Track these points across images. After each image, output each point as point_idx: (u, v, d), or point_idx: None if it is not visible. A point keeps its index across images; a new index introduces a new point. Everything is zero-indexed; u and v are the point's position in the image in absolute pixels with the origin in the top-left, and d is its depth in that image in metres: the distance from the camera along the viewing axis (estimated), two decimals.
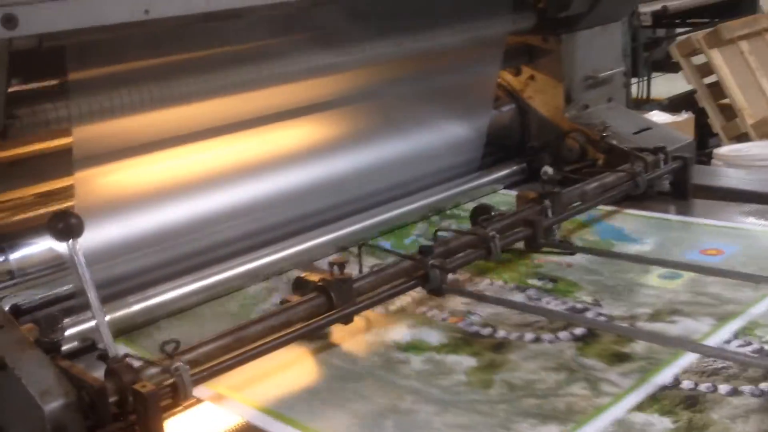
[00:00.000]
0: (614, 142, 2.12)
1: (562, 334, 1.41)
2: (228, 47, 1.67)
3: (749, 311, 1.44)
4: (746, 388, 1.22)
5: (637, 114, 2.46)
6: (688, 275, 1.59)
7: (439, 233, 1.67)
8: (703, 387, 1.24)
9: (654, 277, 1.60)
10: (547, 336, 1.42)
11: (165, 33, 1.53)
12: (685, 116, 5.06)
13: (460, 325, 1.49)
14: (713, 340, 1.36)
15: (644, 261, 1.66)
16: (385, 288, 1.48)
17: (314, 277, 1.50)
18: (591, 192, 1.91)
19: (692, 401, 1.20)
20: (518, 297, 1.59)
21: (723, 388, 1.24)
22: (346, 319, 1.43)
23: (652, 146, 2.09)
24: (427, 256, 1.50)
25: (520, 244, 1.72)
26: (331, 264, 1.44)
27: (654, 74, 6.18)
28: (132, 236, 1.63)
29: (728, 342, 1.35)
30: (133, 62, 1.50)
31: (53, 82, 1.43)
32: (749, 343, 1.34)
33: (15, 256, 1.52)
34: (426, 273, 1.49)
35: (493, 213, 1.83)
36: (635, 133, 2.24)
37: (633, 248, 1.77)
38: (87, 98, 1.40)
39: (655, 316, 1.46)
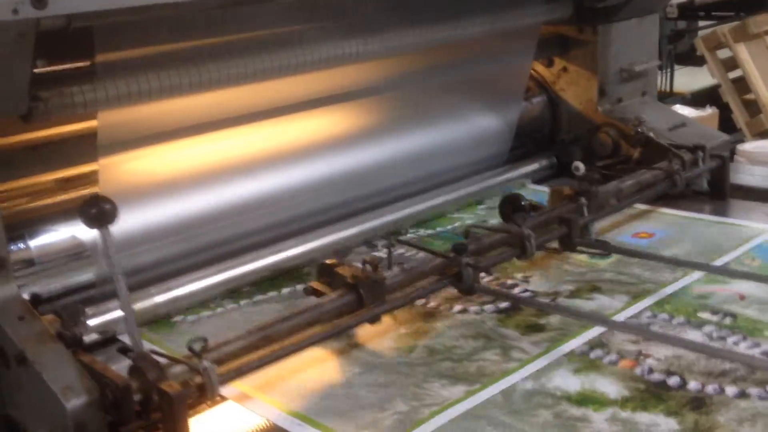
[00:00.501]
0: (651, 137, 2.05)
1: None
2: (256, 33, 1.61)
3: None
4: (754, 390, 1.19)
5: (671, 109, 2.39)
6: None
7: (471, 230, 1.61)
8: (709, 389, 1.21)
9: None
10: (754, 390, 1.20)
11: (193, 17, 1.47)
12: (709, 111, 4.98)
13: (636, 371, 1.28)
14: None
15: (688, 265, 1.59)
16: (417, 287, 1.43)
17: (343, 270, 1.44)
18: (627, 189, 1.85)
19: (698, 403, 1.17)
20: (694, 335, 1.38)
21: (730, 390, 1.20)
22: (375, 319, 1.38)
23: (688, 143, 2.03)
24: (461, 254, 1.45)
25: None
26: (364, 262, 1.39)
27: (678, 67, 6.08)
28: (155, 225, 1.58)
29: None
30: (160, 46, 1.44)
31: (79, 64, 1.38)
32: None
33: (35, 243, 1.47)
34: (459, 271, 1.44)
35: (522, 203, 1.78)
36: (670, 129, 2.17)
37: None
38: (114, 82, 1.35)
39: None
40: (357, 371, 1.33)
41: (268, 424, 1.21)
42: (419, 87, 2.01)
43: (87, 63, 1.36)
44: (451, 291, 1.48)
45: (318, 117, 1.83)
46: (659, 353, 1.31)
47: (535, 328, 1.42)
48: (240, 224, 1.71)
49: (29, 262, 1.46)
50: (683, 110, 4.63)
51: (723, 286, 1.54)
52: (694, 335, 1.37)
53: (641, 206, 1.93)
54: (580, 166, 2.00)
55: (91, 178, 1.54)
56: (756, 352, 1.31)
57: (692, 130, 2.20)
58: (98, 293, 1.50)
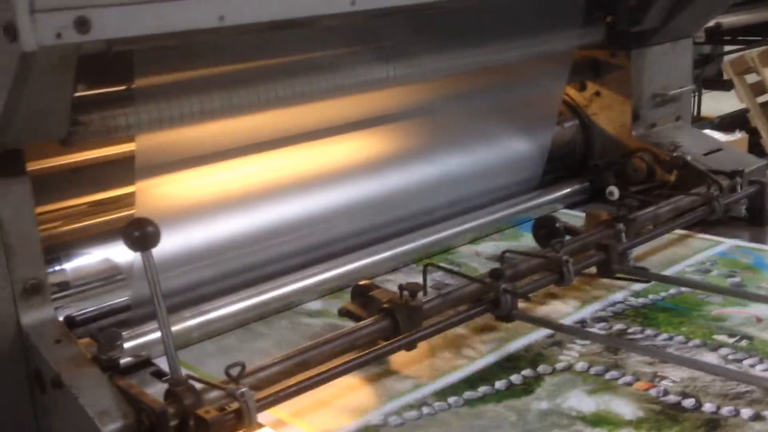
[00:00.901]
0: (688, 161, 2.02)
1: None
2: (290, 57, 1.62)
3: None
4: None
5: (706, 134, 2.36)
6: None
7: (507, 255, 1.59)
8: (725, 411, 1.19)
9: None
10: None
11: (230, 42, 1.48)
12: (738, 136, 4.92)
13: (651, 393, 1.27)
14: None
15: (740, 295, 1.56)
16: (453, 313, 1.41)
17: (379, 294, 1.43)
18: (664, 215, 1.83)
19: (713, 425, 1.15)
20: (709, 357, 1.37)
21: (745, 412, 1.18)
22: (411, 346, 1.36)
23: (725, 168, 2.00)
24: (498, 280, 1.43)
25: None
26: (402, 287, 1.37)
27: (705, 92, 6.03)
28: (189, 248, 1.58)
29: None
30: (198, 70, 1.44)
31: (118, 88, 1.38)
32: None
33: (70, 266, 1.47)
34: (497, 297, 1.42)
35: (557, 225, 1.76)
36: (705, 154, 2.14)
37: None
38: (153, 105, 1.35)
39: None
40: (390, 399, 1.31)
41: None
42: (451, 111, 2.00)
43: (126, 87, 1.36)
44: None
45: (351, 141, 1.83)
46: (675, 375, 1.30)
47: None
48: (273, 248, 1.70)
49: (64, 285, 1.46)
50: (713, 135, 4.60)
51: (740, 308, 1.51)
52: (710, 357, 1.35)
53: (678, 232, 1.90)
54: (615, 191, 1.98)
55: (126, 201, 1.54)
56: None
57: (728, 155, 2.17)
58: (132, 316, 1.50)
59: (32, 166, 1.30)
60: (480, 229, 2.01)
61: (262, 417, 1.24)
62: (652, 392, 1.26)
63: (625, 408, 1.22)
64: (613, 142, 2.23)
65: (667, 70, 2.23)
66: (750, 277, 1.66)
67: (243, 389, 1.11)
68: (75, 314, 1.46)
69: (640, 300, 1.58)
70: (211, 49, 1.46)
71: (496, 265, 1.52)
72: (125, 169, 1.46)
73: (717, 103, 6.02)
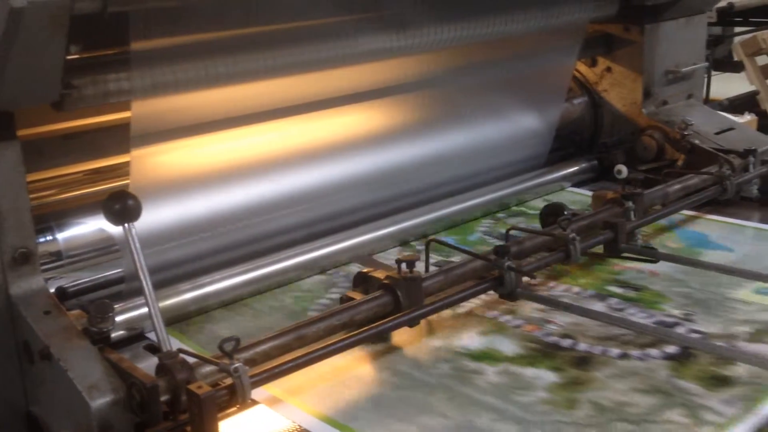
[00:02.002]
0: (697, 141, 1.98)
1: (653, 352, 1.28)
2: (293, 23, 1.56)
3: None
4: (635, 352, 1.26)
5: (719, 113, 2.31)
6: None
7: (512, 232, 1.55)
8: (596, 349, 1.27)
9: (749, 292, 1.46)
10: (635, 352, 1.28)
11: (230, 6, 1.43)
12: (747, 118, 4.85)
13: (536, 334, 1.37)
14: None
15: (740, 274, 1.51)
16: (456, 290, 1.37)
17: (378, 274, 1.39)
18: (673, 194, 1.78)
19: (582, 361, 1.23)
20: (598, 306, 1.45)
21: (614, 351, 1.26)
22: (413, 322, 1.33)
23: (737, 147, 1.95)
24: (503, 257, 1.38)
25: (598, 248, 1.59)
26: (399, 261, 1.33)
27: (713, 73, 5.95)
28: (186, 220, 1.53)
29: None
30: (197, 35, 1.39)
31: (114, 51, 1.33)
32: None
33: (63, 235, 1.42)
34: (501, 275, 1.38)
35: (565, 213, 1.71)
36: (717, 133, 2.09)
37: (723, 257, 1.63)
38: (149, 70, 1.30)
39: (756, 336, 1.32)
40: (390, 376, 1.27)
41: (299, 429, 1.16)
42: (458, 85, 1.95)
43: (121, 50, 1.31)
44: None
45: (353, 113, 1.78)
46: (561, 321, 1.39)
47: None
48: (271, 222, 1.66)
49: (57, 255, 1.42)
50: None
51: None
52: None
53: (687, 212, 1.85)
54: (623, 170, 1.94)
55: (121, 170, 1.50)
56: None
57: (741, 134, 2.12)
58: (127, 288, 1.46)
59: (24, 131, 1.26)
60: (485, 206, 1.97)
61: (257, 394, 1.21)
62: (537, 333, 1.37)
63: (508, 346, 1.32)
64: (623, 119, 2.18)
65: (680, 47, 2.18)
66: None
67: (237, 364, 1.07)
68: (67, 285, 1.42)
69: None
70: (213, 12, 1.40)
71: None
72: (121, 137, 1.41)
73: (727, 86, 5.95)
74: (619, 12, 2.05)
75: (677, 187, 1.80)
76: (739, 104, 5.42)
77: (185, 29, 1.35)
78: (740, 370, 1.21)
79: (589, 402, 1.16)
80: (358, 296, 1.41)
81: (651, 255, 1.58)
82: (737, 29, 6.06)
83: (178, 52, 1.35)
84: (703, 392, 1.16)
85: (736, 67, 5.68)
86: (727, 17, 5.74)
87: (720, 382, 1.19)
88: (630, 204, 1.61)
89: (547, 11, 1.88)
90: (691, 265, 1.55)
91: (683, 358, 1.26)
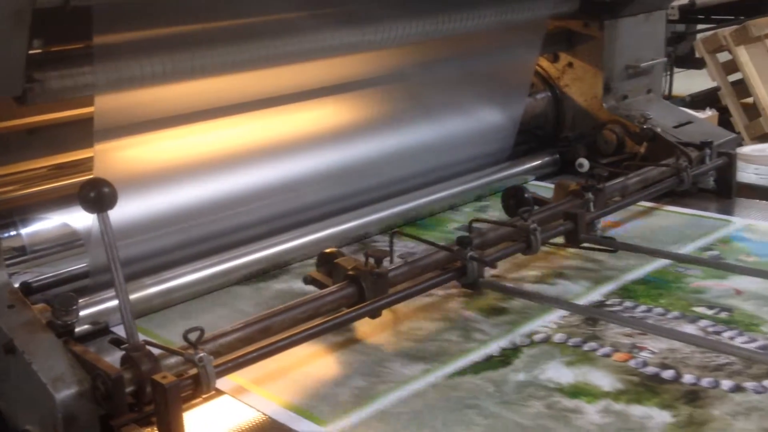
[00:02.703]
0: (658, 133, 2.02)
1: None
2: (257, 18, 1.57)
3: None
4: (750, 384, 1.17)
5: (677, 107, 2.36)
6: None
7: (475, 224, 1.57)
8: (704, 382, 1.18)
9: None
10: (750, 384, 1.17)
11: (194, 1, 1.44)
12: (708, 113, 4.95)
13: (630, 364, 1.25)
14: None
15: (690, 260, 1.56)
16: (420, 280, 1.39)
17: (344, 262, 1.41)
18: (633, 186, 1.82)
19: (693, 396, 1.14)
20: (689, 329, 1.35)
21: (725, 383, 1.18)
22: (376, 313, 1.35)
23: (694, 140, 1.99)
24: (465, 248, 1.41)
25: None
26: (367, 255, 1.35)
27: (676, 70, 6.05)
28: (150, 215, 1.54)
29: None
30: (160, 29, 1.40)
31: (77, 45, 1.33)
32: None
33: (27, 230, 1.43)
34: (463, 265, 1.40)
35: (526, 195, 1.75)
36: (676, 126, 2.14)
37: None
38: (112, 65, 1.31)
39: None
40: (355, 365, 1.29)
41: (265, 419, 1.17)
42: (422, 79, 1.97)
43: (85, 45, 1.32)
44: None
45: (318, 108, 1.79)
46: (654, 347, 1.29)
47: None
48: (237, 216, 1.67)
49: (20, 250, 1.42)
50: None
51: (719, 281, 1.51)
52: (689, 329, 1.34)
53: (646, 204, 1.89)
54: (585, 163, 1.98)
55: (85, 166, 1.50)
56: (752, 346, 1.28)
57: (698, 128, 2.17)
58: (91, 283, 1.46)
59: None
60: (449, 200, 1.99)
61: (222, 384, 1.22)
62: (631, 363, 1.24)
63: (603, 379, 1.20)
64: (585, 114, 2.22)
65: (639, 42, 2.22)
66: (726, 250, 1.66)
67: (201, 354, 1.08)
68: (31, 280, 1.42)
69: None
70: (175, 7, 1.41)
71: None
72: (84, 132, 1.41)
73: (690, 83, 6.05)
74: (579, 8, 2.09)
75: (636, 179, 1.84)
76: (700, 100, 5.52)
77: (148, 24, 1.36)
78: None
79: None
80: (320, 276, 1.43)
81: (609, 245, 1.62)
82: (700, 26, 6.16)
83: (140, 47, 1.35)
84: None
85: (698, 64, 5.78)
86: (689, 15, 5.84)
87: None
88: (589, 195, 1.65)
89: (509, 7, 1.91)
90: (650, 255, 1.59)
91: None
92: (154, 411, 1.09)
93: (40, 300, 1.32)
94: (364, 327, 1.39)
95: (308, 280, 1.45)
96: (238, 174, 1.66)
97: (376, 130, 1.91)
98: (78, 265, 1.47)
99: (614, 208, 1.73)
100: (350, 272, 1.36)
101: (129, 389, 1.09)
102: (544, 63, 2.27)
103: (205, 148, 1.61)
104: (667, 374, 1.21)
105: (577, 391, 1.18)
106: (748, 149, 4.74)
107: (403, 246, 1.68)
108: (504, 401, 1.16)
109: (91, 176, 1.35)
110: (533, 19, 2.01)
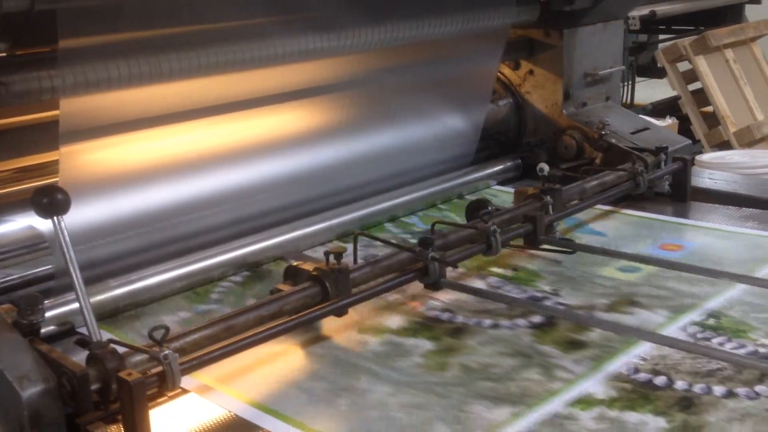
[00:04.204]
0: (613, 140, 2.08)
1: (520, 321, 1.42)
2: (222, 24, 1.60)
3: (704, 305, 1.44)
4: (742, 390, 1.20)
5: (635, 114, 2.42)
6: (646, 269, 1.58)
7: (437, 226, 1.61)
8: (697, 388, 1.21)
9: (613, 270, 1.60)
10: (742, 390, 1.21)
11: (159, 5, 1.46)
12: (669, 122, 5.06)
13: (420, 309, 1.47)
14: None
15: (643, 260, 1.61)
16: (383, 280, 1.42)
17: (307, 266, 1.44)
18: (590, 190, 1.87)
19: (687, 403, 1.17)
20: (479, 284, 1.57)
21: (718, 390, 1.21)
22: (341, 312, 1.38)
23: (651, 146, 2.05)
24: (427, 249, 1.44)
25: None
26: (327, 253, 1.38)
27: (638, 80, 6.17)
28: (116, 217, 1.55)
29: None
30: (126, 33, 1.42)
31: (42, 49, 1.35)
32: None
33: None
34: (425, 266, 1.44)
35: (489, 208, 1.79)
36: (633, 132, 2.20)
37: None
38: (77, 69, 1.33)
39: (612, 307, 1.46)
40: (323, 365, 1.32)
41: (231, 416, 1.19)
42: (385, 85, 2.01)
43: (49, 48, 1.33)
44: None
45: (282, 112, 1.82)
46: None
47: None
48: (202, 219, 1.69)
49: None
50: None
51: None
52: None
53: (604, 207, 1.95)
54: (545, 168, 2.01)
55: (50, 168, 1.51)
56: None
57: (655, 134, 2.23)
58: (57, 285, 1.47)
59: None
60: (412, 204, 2.03)
61: (187, 383, 1.24)
62: (623, 370, 1.26)
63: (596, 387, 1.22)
64: (545, 120, 2.27)
65: (597, 51, 2.28)
66: None
67: (166, 351, 1.10)
68: None
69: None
70: (140, 12, 1.43)
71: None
72: (50, 135, 1.43)
73: (653, 92, 6.17)
74: (539, 17, 2.14)
75: (594, 183, 1.89)
76: (661, 109, 5.63)
77: (113, 28, 1.38)
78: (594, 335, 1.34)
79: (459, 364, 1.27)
80: (287, 288, 1.45)
81: (567, 246, 1.66)
82: (662, 36, 6.29)
83: (105, 51, 1.37)
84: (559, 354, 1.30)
85: (659, 74, 5.90)
86: (651, 25, 5.97)
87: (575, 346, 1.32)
88: (548, 198, 1.70)
89: (471, 16, 1.96)
90: (605, 255, 1.64)
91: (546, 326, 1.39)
92: (119, 409, 1.11)
93: (5, 301, 1.33)
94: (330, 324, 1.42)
95: (275, 293, 1.47)
96: (204, 177, 1.68)
97: (340, 135, 1.94)
98: (44, 267, 1.48)
99: (572, 210, 1.78)
100: (313, 273, 1.38)
101: (94, 387, 1.11)
102: (506, 71, 2.32)
103: (171, 151, 1.62)
104: (445, 316, 1.41)
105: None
106: (707, 156, 4.88)
107: (368, 253, 1.71)
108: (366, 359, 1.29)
109: (46, 181, 1.37)
110: (495, 27, 2.05)
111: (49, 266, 1.48)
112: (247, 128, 1.76)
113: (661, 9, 5.72)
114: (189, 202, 1.67)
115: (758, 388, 1.20)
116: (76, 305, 1.39)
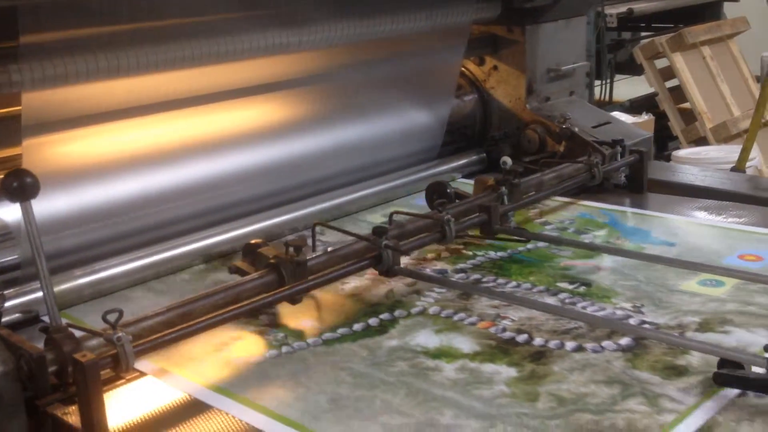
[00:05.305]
0: (575, 132, 2.13)
1: (606, 344, 1.32)
2: (187, 19, 1.64)
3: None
4: (590, 345, 1.31)
5: (598, 109, 2.47)
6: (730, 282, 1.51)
7: (395, 216, 1.66)
8: (552, 344, 1.31)
9: (694, 284, 1.53)
10: (590, 345, 1.32)
11: (121, 0, 1.50)
12: (645, 117, 5.12)
13: (491, 330, 1.40)
14: None
15: (599, 248, 1.67)
16: (337, 268, 1.47)
17: (267, 251, 1.48)
18: (548, 182, 1.92)
19: (539, 355, 1.29)
20: (550, 301, 1.50)
21: (570, 344, 1.31)
22: (295, 298, 1.42)
23: (611, 140, 2.10)
24: (381, 237, 1.49)
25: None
26: (287, 244, 1.42)
27: (618, 77, 6.23)
28: (80, 209, 1.59)
29: None
30: (87, 29, 1.46)
31: (2, 45, 1.39)
32: None
33: None
34: (379, 254, 1.48)
35: (448, 191, 1.84)
36: (594, 126, 2.25)
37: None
38: (38, 63, 1.36)
39: (704, 326, 1.38)
40: (278, 349, 1.37)
41: (188, 398, 1.24)
42: (351, 80, 2.05)
43: (10, 44, 1.37)
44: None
45: (248, 106, 1.86)
46: (515, 316, 1.44)
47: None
48: (167, 211, 1.73)
49: None
50: (621, 117, 4.79)
51: (586, 260, 1.66)
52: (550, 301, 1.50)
53: (563, 199, 2.00)
54: (508, 161, 2.06)
55: (15, 163, 1.54)
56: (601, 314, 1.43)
57: (616, 128, 2.28)
58: (22, 275, 1.51)
59: None
60: (377, 196, 2.07)
61: (144, 367, 1.28)
62: (492, 330, 1.39)
63: (464, 344, 1.35)
64: (510, 114, 2.32)
65: (560, 47, 2.33)
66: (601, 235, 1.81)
67: (119, 334, 1.15)
68: None
69: (499, 254, 1.71)
70: (103, 7, 1.47)
71: None
72: (14, 129, 1.46)
73: (634, 89, 6.23)
74: (502, 14, 2.19)
75: (552, 175, 1.94)
76: (639, 105, 5.69)
77: (73, 24, 1.41)
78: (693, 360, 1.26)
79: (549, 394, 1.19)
80: (245, 266, 1.50)
81: (521, 235, 1.71)
82: (643, 34, 6.35)
83: (66, 46, 1.41)
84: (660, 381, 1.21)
85: (638, 71, 5.97)
86: (629, 23, 6.03)
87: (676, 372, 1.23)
88: (503, 189, 1.75)
89: (432, 12, 2.01)
90: (557, 244, 1.70)
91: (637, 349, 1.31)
92: (76, 391, 1.15)
93: None
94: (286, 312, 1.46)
95: (233, 269, 1.52)
96: (168, 170, 1.72)
97: (308, 128, 1.99)
98: (9, 257, 1.52)
99: (528, 201, 1.84)
100: (271, 260, 1.43)
101: (52, 369, 1.15)
102: (472, 66, 2.37)
103: (135, 144, 1.66)
104: (521, 338, 1.36)
105: (439, 353, 1.32)
106: (684, 152, 4.94)
107: (328, 241, 1.76)
108: (374, 363, 1.30)
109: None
110: (456, 24, 2.10)
111: (15, 256, 1.52)
112: (212, 122, 1.80)
113: (638, 6, 5.78)
114: (154, 195, 1.71)
115: (605, 342, 1.32)
116: (40, 294, 1.44)
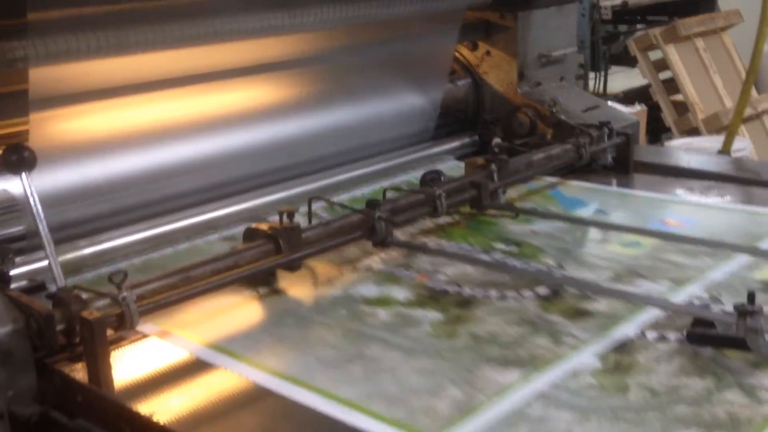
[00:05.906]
0: (562, 117, 2.19)
1: (526, 293, 1.48)
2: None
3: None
4: (511, 293, 1.47)
5: (587, 94, 2.54)
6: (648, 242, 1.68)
7: (389, 193, 1.72)
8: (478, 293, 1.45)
9: (617, 245, 1.68)
10: (511, 293, 1.47)
11: None
12: (638, 108, 5.18)
13: (427, 282, 1.53)
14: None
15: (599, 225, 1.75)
16: (332, 238, 1.53)
17: (263, 226, 1.54)
18: (537, 161, 1.98)
19: (466, 302, 1.42)
20: (484, 258, 1.63)
21: (493, 294, 1.45)
22: (292, 266, 1.48)
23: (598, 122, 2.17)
24: (374, 209, 1.55)
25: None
26: (280, 213, 1.48)
27: (612, 69, 6.29)
28: (85, 182, 1.65)
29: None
30: (94, 6, 1.51)
31: (10, 21, 1.44)
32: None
33: None
34: (372, 225, 1.55)
35: (442, 178, 1.90)
36: (584, 111, 2.31)
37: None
38: (45, 39, 1.42)
39: (615, 278, 1.53)
40: (277, 317, 1.43)
41: (191, 357, 1.29)
42: (346, 62, 2.11)
43: (18, 20, 1.42)
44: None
45: (247, 86, 1.92)
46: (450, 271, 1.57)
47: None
48: (168, 187, 1.79)
49: None
50: (615, 107, 4.85)
51: (526, 225, 1.79)
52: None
53: (552, 179, 2.06)
54: (499, 143, 2.13)
55: (21, 137, 1.59)
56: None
57: (604, 112, 2.35)
58: (28, 245, 1.56)
59: None
60: (372, 176, 2.13)
61: (148, 329, 1.35)
62: (428, 282, 1.53)
63: (401, 293, 1.49)
64: (501, 98, 2.38)
65: (551, 33, 2.39)
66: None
67: (124, 294, 1.21)
68: None
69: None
70: None
71: None
72: (22, 103, 1.52)
73: (629, 81, 6.29)
74: (494, 0, 2.25)
75: (541, 155, 2.01)
76: (633, 96, 5.75)
77: (79, 1, 1.47)
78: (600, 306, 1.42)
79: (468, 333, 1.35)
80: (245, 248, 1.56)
81: (511, 209, 1.78)
82: (638, 26, 6.41)
83: (73, 22, 1.46)
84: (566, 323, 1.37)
85: (632, 62, 6.03)
86: (624, 15, 6.09)
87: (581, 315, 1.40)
88: (493, 167, 1.81)
89: None
90: (544, 218, 1.76)
91: (552, 297, 1.47)
92: (83, 349, 1.21)
93: None
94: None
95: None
96: (169, 147, 1.78)
97: (304, 109, 2.04)
98: (16, 228, 1.58)
99: (516, 179, 1.90)
100: (268, 231, 1.49)
101: (60, 327, 1.21)
102: (465, 52, 2.42)
103: (138, 120, 1.72)
104: (452, 288, 1.50)
105: (377, 302, 1.46)
106: (676, 143, 5.00)
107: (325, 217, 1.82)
108: (317, 311, 1.44)
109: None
110: (450, 8, 2.16)
111: (21, 227, 1.57)
112: (211, 101, 1.85)
113: None
114: (156, 171, 1.76)
115: (525, 292, 1.48)
116: (45, 263, 1.50)
